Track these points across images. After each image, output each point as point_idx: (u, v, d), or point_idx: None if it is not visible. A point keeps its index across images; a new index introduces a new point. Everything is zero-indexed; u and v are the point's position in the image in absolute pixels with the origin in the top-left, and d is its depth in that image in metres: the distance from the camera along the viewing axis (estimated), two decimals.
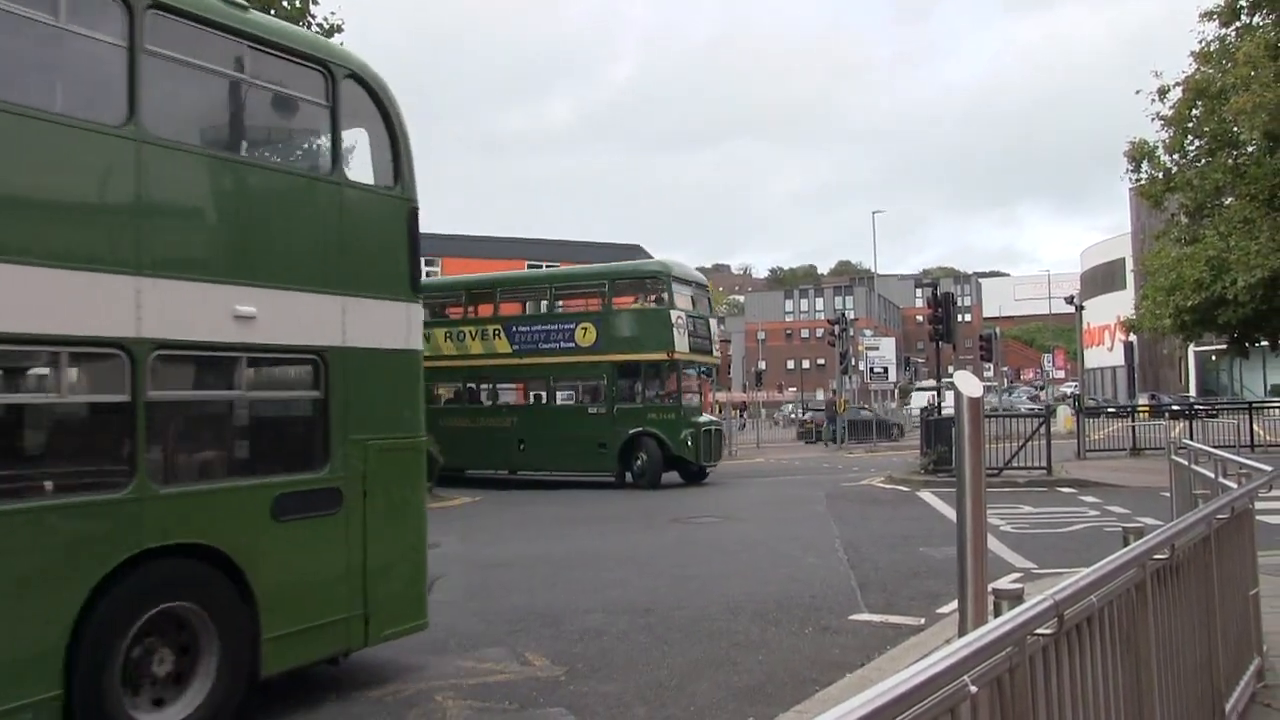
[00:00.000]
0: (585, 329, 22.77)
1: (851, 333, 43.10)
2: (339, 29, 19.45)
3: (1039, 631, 2.77)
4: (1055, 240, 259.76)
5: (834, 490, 19.78)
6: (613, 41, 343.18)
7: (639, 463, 21.80)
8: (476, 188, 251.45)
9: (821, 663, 7.03)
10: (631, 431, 21.81)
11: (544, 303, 24.38)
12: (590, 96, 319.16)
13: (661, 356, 21.73)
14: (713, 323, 24.53)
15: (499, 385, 25.43)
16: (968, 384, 5.19)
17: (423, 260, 33.50)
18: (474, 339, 24.32)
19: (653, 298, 22.96)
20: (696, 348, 22.69)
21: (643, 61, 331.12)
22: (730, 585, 10.12)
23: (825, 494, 18.88)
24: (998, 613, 2.84)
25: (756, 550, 12.61)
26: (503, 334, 23.99)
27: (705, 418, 23.28)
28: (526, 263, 39.74)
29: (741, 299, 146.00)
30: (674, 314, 21.83)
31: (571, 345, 22.80)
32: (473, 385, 25.19)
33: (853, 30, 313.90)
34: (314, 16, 18.99)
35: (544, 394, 24.17)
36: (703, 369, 24.78)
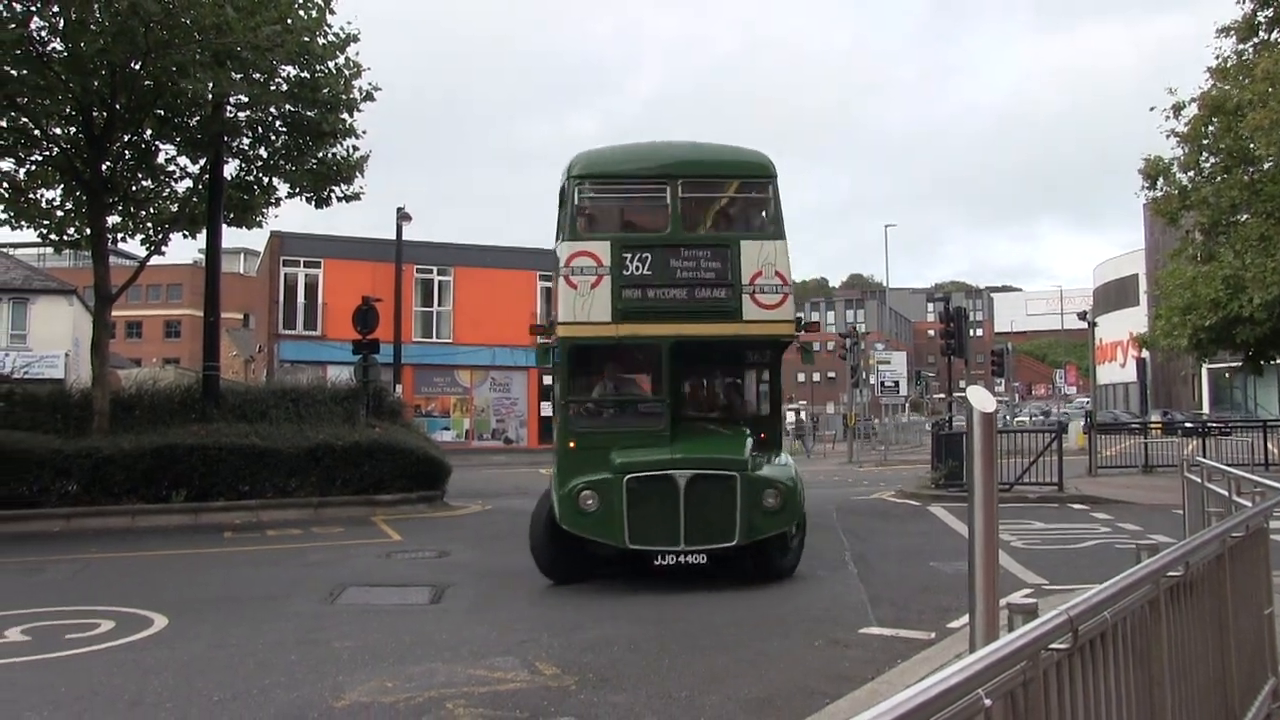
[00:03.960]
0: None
1: (863, 346, 43.00)
2: (355, 39, 19.59)
3: (1053, 646, 2.77)
4: (1072, 256, 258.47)
5: (844, 504, 19.70)
6: (637, 56, 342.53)
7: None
8: (499, 199, 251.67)
9: (831, 675, 7.02)
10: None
11: None
12: (614, 110, 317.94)
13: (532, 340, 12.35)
14: (751, 248, 11.54)
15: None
16: (981, 399, 5.19)
17: (435, 270, 32.71)
18: None
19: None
20: (647, 309, 11.39)
21: (666, 76, 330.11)
22: (737, 598, 10.11)
23: (835, 508, 18.81)
24: (1011, 627, 2.84)
25: None
26: None
27: (676, 453, 10.86)
28: (538, 274, 39.74)
29: None
30: (566, 249, 11.47)
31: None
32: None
33: (877, 49, 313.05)
34: (330, 26, 19.12)
35: None
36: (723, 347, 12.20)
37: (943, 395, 54.46)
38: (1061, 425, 26.14)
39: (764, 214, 12.15)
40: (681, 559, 10.46)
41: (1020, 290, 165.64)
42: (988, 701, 2.36)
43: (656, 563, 10.54)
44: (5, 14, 16.26)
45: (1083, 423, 34.33)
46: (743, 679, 6.99)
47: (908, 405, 65.83)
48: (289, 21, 17.79)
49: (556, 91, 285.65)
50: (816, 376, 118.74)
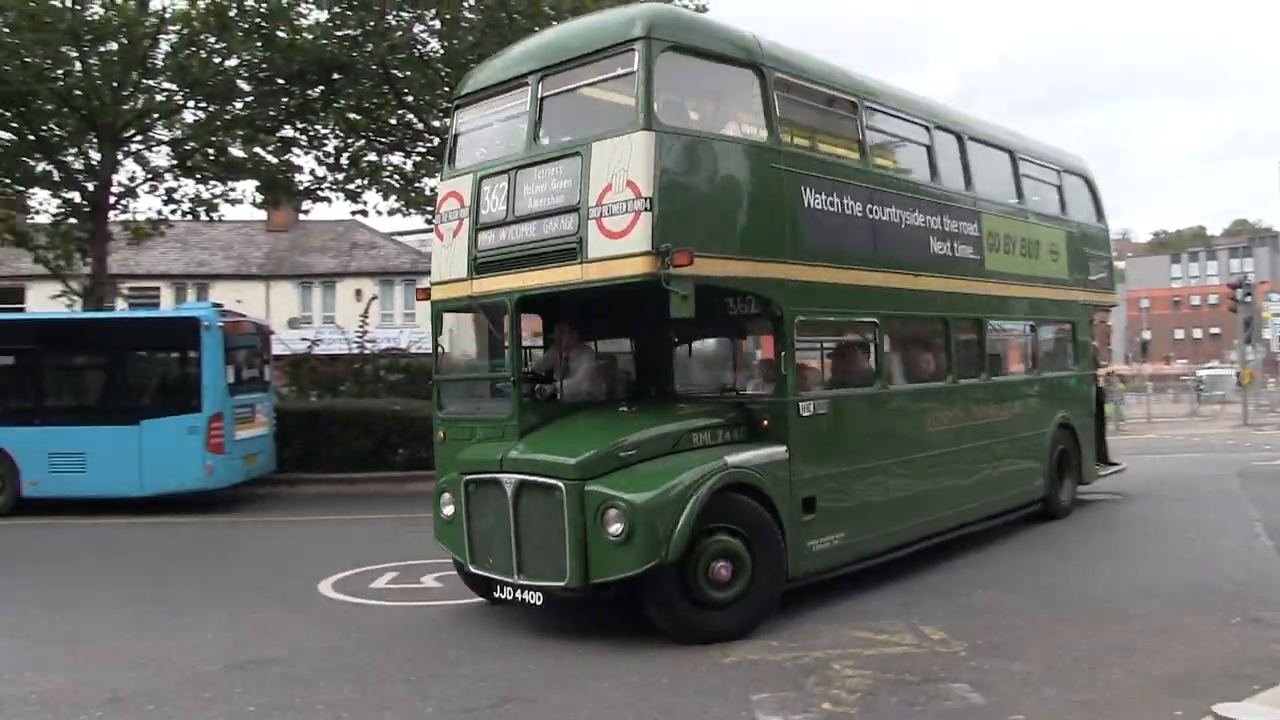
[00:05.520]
0: None
1: (1254, 298, 38.61)
2: (703, 10, 19.86)
3: None
4: None
5: (1245, 470, 17.78)
6: (995, 7, 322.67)
7: None
8: None
9: (1256, 658, 6.30)
10: None
11: None
12: (973, 61, 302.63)
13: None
14: (603, 152, 7.59)
15: None
16: None
17: None
18: None
19: None
20: (498, 257, 8.36)
21: (1027, 27, 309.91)
22: (1133, 566, 9.37)
23: (1236, 473, 17.05)
24: None
25: (1160, 529, 11.58)
26: None
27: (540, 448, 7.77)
28: None
29: (1122, 265, 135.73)
30: (440, 191, 9.34)
31: None
32: None
33: None
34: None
35: None
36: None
37: None
38: None
39: (630, 99, 7.61)
40: (518, 595, 7.43)
41: None
42: None
43: (495, 595, 7.71)
44: (394, 24, 18.10)
45: None
46: (1148, 653, 6.45)
47: None
48: None
49: (907, 47, 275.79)
50: (1197, 333, 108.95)
